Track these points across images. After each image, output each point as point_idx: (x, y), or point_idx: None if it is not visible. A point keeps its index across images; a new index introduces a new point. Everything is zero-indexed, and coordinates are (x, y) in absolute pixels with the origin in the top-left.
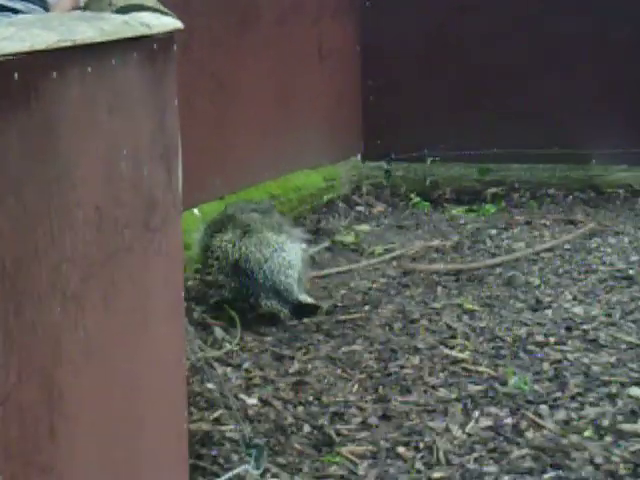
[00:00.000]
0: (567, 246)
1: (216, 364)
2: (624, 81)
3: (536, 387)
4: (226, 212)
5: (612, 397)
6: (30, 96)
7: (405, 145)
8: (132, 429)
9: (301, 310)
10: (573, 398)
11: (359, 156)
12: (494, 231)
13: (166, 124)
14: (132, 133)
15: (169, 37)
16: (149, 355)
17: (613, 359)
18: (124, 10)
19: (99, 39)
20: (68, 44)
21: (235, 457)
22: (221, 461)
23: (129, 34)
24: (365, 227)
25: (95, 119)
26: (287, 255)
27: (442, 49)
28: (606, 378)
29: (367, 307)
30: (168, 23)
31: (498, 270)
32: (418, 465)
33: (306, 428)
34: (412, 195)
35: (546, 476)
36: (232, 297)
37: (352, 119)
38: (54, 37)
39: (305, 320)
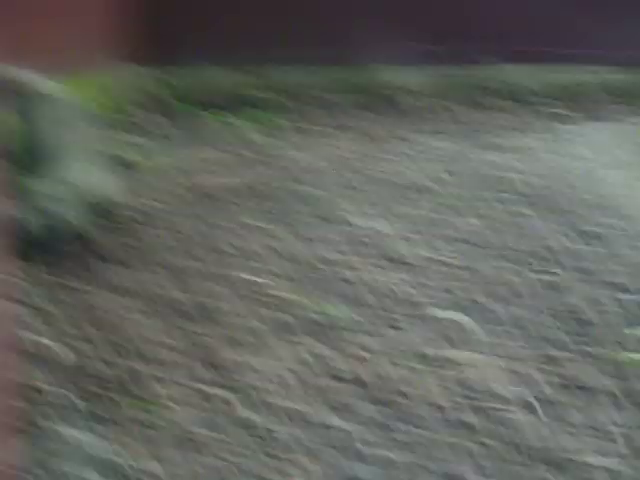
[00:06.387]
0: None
1: None
2: None
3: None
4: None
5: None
6: None
7: (182, 49)
8: None
9: None
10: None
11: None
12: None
13: None
14: None
15: None
16: None
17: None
18: None
19: None
20: None
21: None
22: None
23: None
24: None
25: None
26: None
27: None
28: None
29: (149, 227)
30: None
31: (287, 185)
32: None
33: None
34: (191, 101)
35: None
36: None
37: (126, 22)
38: None
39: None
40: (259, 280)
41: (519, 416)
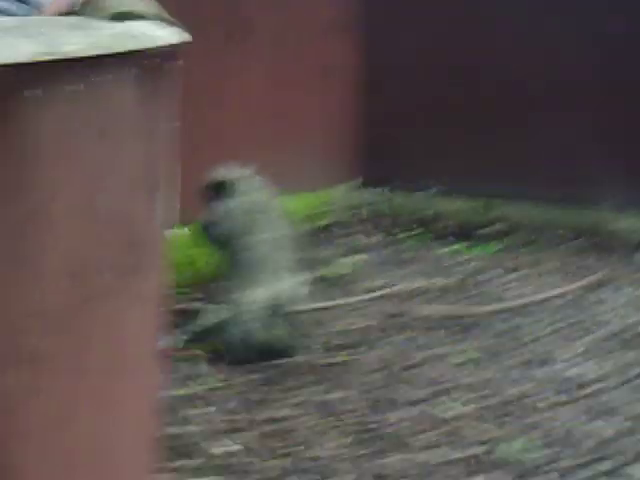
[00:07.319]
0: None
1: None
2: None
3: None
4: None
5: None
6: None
7: (408, 173)
8: None
9: None
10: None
11: (360, 180)
12: (498, 272)
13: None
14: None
15: (171, 51)
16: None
17: None
18: (120, 17)
19: (89, 52)
20: (49, 57)
21: None
22: None
23: (125, 47)
24: (362, 257)
25: (80, 146)
26: None
27: (449, 77)
28: None
29: (350, 350)
30: (170, 35)
31: (499, 317)
32: None
33: None
34: (413, 226)
35: None
36: None
37: (355, 142)
38: (32, 48)
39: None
40: (447, 416)
41: None
